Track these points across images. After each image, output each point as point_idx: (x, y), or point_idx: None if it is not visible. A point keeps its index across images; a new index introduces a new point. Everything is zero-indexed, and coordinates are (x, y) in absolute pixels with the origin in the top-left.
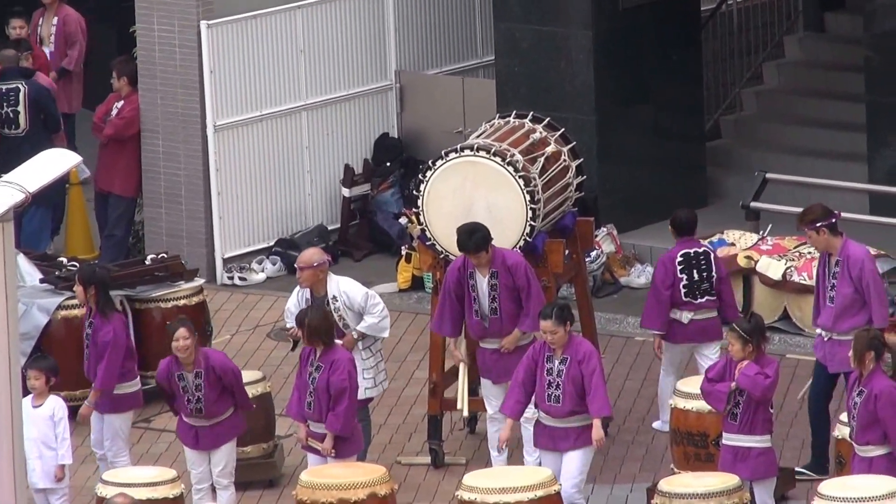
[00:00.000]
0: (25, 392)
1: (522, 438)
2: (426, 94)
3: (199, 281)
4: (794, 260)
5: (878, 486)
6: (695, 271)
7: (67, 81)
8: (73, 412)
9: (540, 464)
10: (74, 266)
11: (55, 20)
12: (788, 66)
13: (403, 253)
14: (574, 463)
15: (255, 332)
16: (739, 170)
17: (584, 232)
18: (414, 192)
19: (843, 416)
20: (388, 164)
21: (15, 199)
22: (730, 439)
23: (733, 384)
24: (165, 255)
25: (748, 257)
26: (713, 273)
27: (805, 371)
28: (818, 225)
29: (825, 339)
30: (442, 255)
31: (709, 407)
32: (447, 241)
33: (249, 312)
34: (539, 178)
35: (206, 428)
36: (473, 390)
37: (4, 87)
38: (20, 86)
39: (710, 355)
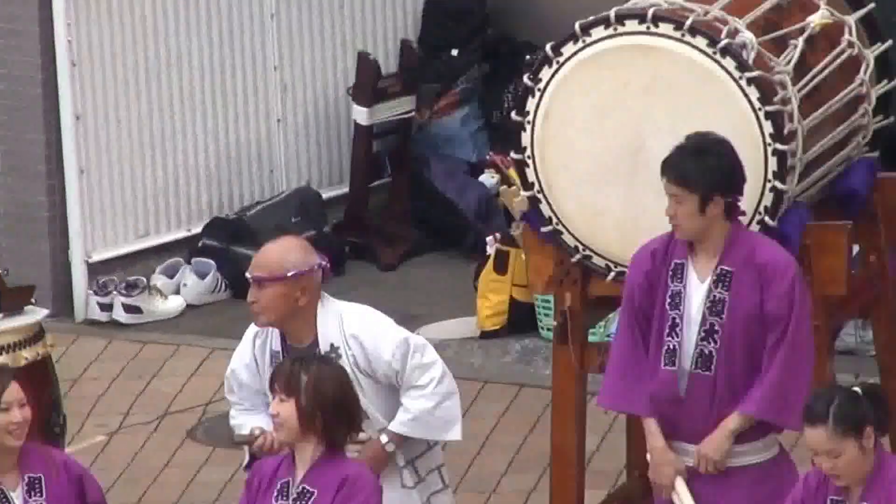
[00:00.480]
0: None
1: None
2: None
3: (36, 314)
4: None
5: None
6: None
7: None
8: None
9: None
10: None
11: None
12: None
13: (491, 250)
14: None
15: (161, 427)
16: None
17: (892, 205)
18: (514, 114)
19: None
20: (455, 52)
21: None
22: None
23: None
24: None
25: None
26: None
27: None
28: None
29: None
30: (577, 256)
31: None
32: (589, 223)
33: (149, 383)
34: (795, 84)
35: None
36: None
37: None
38: None
39: None
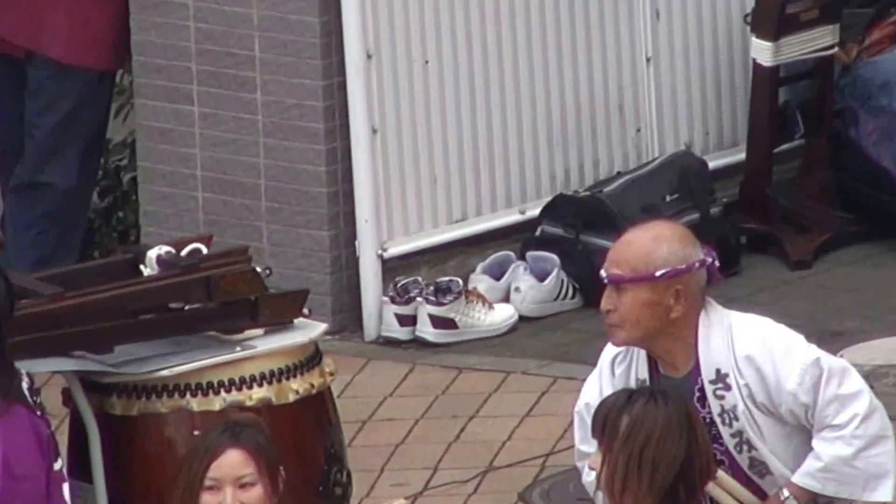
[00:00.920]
0: None
1: None
2: None
3: (310, 329)
4: None
5: None
6: None
7: None
8: None
9: None
10: None
11: None
12: None
13: None
14: None
15: (483, 488)
16: None
17: None
18: None
19: None
20: None
21: None
22: None
23: None
24: (201, 248)
25: None
26: None
27: None
28: None
29: None
30: None
31: None
32: None
33: (465, 426)
34: None
35: None
36: None
37: None
38: None
39: None
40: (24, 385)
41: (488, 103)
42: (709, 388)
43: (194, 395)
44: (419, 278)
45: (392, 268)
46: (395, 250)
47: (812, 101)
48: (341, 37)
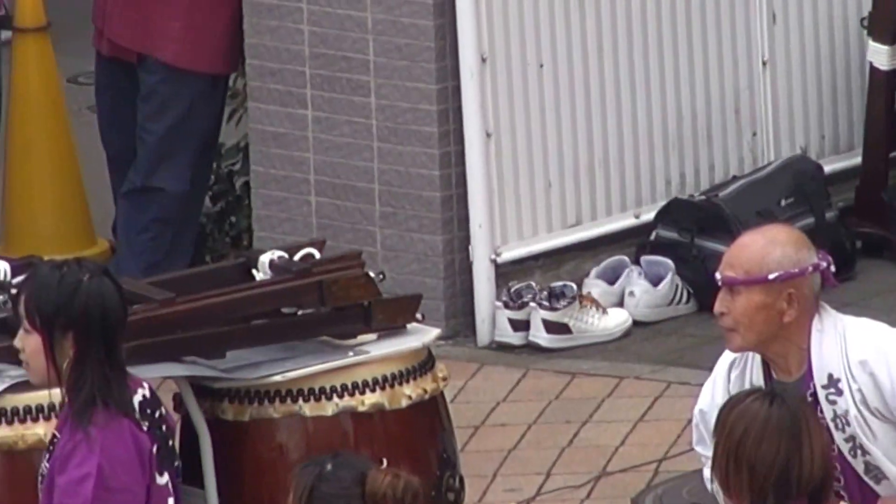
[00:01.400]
0: None
1: None
2: None
3: (423, 335)
4: None
5: None
6: None
7: None
8: None
9: None
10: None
11: None
12: None
13: None
14: None
15: (596, 493)
16: None
17: None
18: None
19: None
20: None
21: None
22: None
23: None
24: (314, 253)
25: None
26: None
27: None
28: None
29: None
30: None
31: None
32: None
33: (579, 431)
34: None
35: None
36: None
37: None
38: None
39: None
40: (138, 399)
41: (603, 107)
42: (821, 393)
43: (307, 401)
44: (533, 283)
45: (505, 272)
46: (508, 255)
47: None
48: (455, 40)
